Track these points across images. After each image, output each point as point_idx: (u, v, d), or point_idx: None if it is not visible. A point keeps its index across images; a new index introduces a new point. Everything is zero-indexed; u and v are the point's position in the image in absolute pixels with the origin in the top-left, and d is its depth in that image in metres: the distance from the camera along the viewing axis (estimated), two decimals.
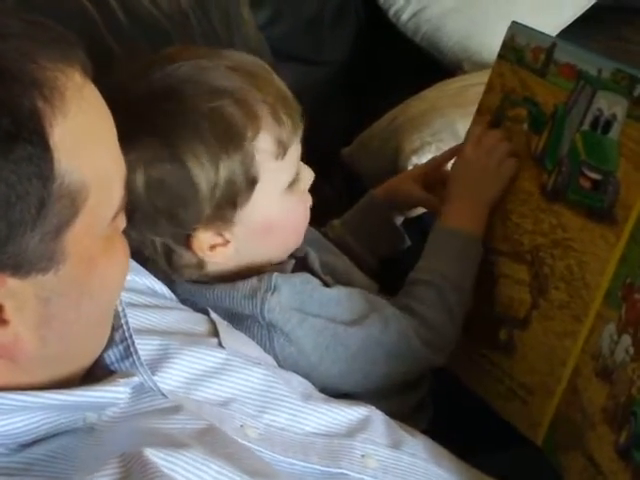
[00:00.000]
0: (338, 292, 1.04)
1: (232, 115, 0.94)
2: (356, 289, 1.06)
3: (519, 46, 1.07)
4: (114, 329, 0.77)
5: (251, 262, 1.03)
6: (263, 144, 0.96)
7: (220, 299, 1.00)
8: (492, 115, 1.10)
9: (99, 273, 0.68)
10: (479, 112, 1.13)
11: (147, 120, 0.93)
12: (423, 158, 1.51)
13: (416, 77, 1.80)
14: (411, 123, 1.59)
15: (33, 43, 0.62)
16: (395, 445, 0.89)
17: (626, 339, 0.88)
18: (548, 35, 1.07)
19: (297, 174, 1.03)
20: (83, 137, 0.63)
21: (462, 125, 1.52)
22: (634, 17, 2.05)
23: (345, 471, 0.82)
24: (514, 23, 1.08)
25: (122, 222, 0.73)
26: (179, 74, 0.95)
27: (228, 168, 0.94)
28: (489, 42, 1.85)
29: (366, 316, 1.03)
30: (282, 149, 0.98)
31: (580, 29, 1.94)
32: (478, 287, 1.08)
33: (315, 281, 1.04)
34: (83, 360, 0.73)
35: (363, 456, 0.84)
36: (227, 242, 1.00)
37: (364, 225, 1.23)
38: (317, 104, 1.85)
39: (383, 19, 1.97)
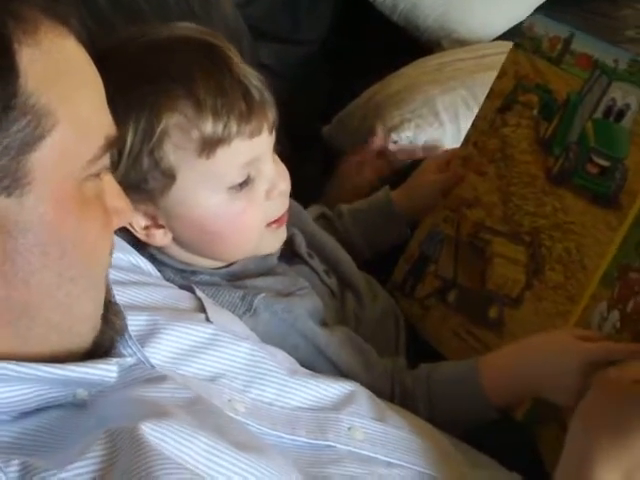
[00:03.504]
0: (325, 333, 1.00)
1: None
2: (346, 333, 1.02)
3: (537, 35, 1.10)
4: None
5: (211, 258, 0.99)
6: (176, 138, 0.91)
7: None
8: (503, 99, 1.13)
9: (70, 226, 0.67)
10: (489, 97, 1.16)
11: None
12: (402, 135, 1.52)
13: (395, 55, 1.80)
14: (390, 100, 1.60)
15: None
16: (380, 418, 0.89)
17: (615, 314, 0.90)
18: (567, 25, 1.10)
19: (250, 177, 0.95)
20: (57, 74, 0.64)
21: (441, 101, 1.54)
22: None
23: (332, 443, 0.82)
24: (534, 14, 1.14)
25: (114, 195, 0.73)
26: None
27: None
28: (467, 19, 1.86)
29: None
30: (207, 146, 0.91)
31: (557, 4, 1.94)
32: (470, 265, 1.10)
33: (298, 309, 0.99)
34: (65, 330, 0.70)
35: (350, 428, 0.85)
36: (160, 226, 0.96)
37: (380, 231, 1.22)
38: (296, 83, 1.85)
39: None
